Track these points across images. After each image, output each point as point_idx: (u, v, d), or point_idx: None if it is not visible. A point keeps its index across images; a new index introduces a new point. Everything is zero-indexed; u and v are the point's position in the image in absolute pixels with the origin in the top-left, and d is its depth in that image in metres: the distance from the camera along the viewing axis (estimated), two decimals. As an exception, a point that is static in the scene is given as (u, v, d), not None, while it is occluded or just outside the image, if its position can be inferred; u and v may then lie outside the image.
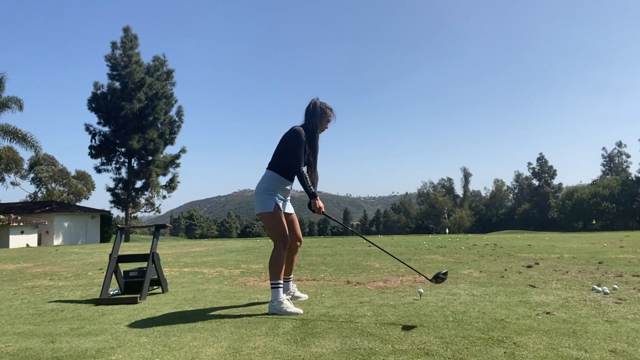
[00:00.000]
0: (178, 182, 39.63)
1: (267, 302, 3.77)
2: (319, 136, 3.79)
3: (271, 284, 3.48)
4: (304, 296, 3.98)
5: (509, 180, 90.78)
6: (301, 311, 3.38)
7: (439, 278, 3.62)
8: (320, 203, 3.60)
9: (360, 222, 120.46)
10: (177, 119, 38.72)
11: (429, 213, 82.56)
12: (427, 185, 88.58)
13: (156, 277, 4.63)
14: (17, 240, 27.65)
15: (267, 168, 3.70)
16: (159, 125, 37.71)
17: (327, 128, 3.84)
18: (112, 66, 36.44)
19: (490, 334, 2.68)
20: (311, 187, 3.54)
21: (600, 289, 4.05)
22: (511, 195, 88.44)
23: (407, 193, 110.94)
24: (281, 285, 3.47)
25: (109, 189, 37.60)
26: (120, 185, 37.77)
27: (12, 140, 28.22)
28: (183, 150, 39.11)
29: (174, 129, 38.56)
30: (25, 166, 43.97)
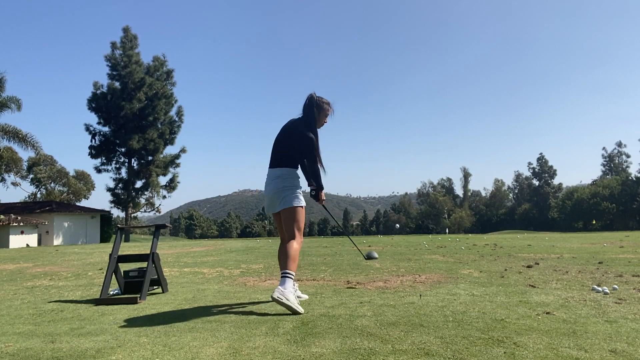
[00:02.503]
0: (178, 182, 39.72)
1: (267, 302, 3.78)
2: (318, 131, 3.84)
3: (287, 274, 3.43)
4: (304, 296, 3.98)
5: (509, 180, 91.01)
6: (302, 310, 3.38)
7: (371, 258, 5.73)
8: (323, 195, 3.85)
9: (360, 222, 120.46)
10: (177, 119, 38.82)
11: (428, 213, 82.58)
12: (427, 185, 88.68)
13: (156, 277, 4.63)
14: (17, 240, 27.67)
15: (287, 166, 3.74)
16: (159, 125, 37.76)
17: (325, 122, 3.85)
18: (112, 66, 36.51)
19: (490, 334, 2.68)
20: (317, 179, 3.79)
21: (600, 289, 4.05)
22: (511, 195, 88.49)
23: (406, 193, 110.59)
24: (294, 278, 3.51)
25: (109, 189, 37.69)
26: (120, 185, 37.83)
27: (11, 140, 28.26)
28: (183, 150, 39.21)
29: (174, 129, 38.63)
30: (24, 166, 43.99)
